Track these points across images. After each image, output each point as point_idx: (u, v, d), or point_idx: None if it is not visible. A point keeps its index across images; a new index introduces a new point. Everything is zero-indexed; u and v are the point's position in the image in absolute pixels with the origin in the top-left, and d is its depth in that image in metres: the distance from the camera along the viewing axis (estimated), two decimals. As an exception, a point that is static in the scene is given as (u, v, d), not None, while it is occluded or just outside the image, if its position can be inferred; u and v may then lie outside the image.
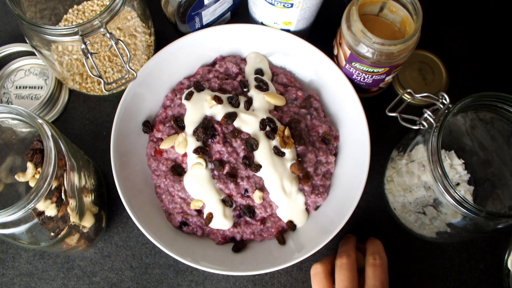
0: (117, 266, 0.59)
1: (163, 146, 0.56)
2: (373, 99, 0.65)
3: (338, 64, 0.60)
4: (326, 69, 0.60)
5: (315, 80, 0.62)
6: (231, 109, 0.56)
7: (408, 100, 0.54)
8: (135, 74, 0.52)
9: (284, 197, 0.55)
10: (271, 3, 0.57)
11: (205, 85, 0.59)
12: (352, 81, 0.59)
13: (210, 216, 0.55)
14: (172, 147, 0.56)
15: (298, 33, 0.62)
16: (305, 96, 0.60)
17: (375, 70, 0.56)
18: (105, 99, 0.66)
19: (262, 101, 0.57)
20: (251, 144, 0.55)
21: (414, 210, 0.55)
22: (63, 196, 0.45)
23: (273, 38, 0.61)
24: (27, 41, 0.54)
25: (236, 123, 0.56)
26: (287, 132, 0.55)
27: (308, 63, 0.61)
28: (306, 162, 0.56)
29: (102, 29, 0.50)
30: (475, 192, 0.58)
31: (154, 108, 0.61)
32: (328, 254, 0.60)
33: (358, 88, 0.60)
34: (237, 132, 0.55)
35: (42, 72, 0.65)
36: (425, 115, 0.50)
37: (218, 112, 0.56)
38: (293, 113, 0.58)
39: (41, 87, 0.64)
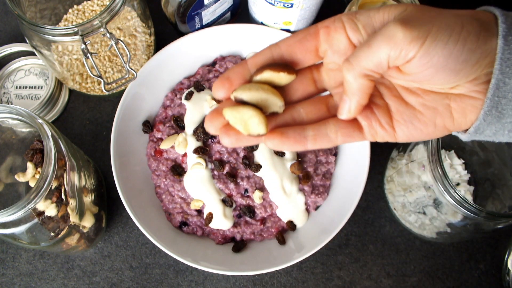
0: (117, 266, 0.59)
1: (163, 146, 0.56)
2: (373, 99, 0.65)
3: (338, 64, 0.60)
4: (326, 69, 0.60)
5: (315, 80, 0.62)
6: (231, 109, 0.56)
7: (408, 100, 0.54)
8: (135, 74, 0.52)
9: (284, 197, 0.54)
10: (271, 3, 0.57)
11: (205, 85, 0.59)
12: (352, 81, 0.59)
13: (210, 216, 0.55)
14: (172, 147, 0.56)
15: (298, 33, 0.61)
16: (305, 96, 0.60)
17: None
18: (105, 99, 0.66)
19: (262, 101, 0.57)
20: (251, 144, 0.55)
21: (414, 210, 0.55)
22: (63, 196, 0.45)
23: (273, 38, 0.61)
24: (27, 41, 0.54)
25: (236, 123, 0.56)
26: (287, 132, 0.55)
27: (308, 63, 0.61)
28: (306, 162, 0.56)
29: (102, 29, 0.50)
30: (475, 192, 0.58)
31: (154, 108, 0.61)
32: (328, 254, 0.60)
33: (358, 88, 0.60)
34: (237, 132, 0.55)
35: (42, 72, 0.65)
36: (425, 115, 0.50)
37: (218, 112, 0.56)
38: (293, 113, 0.58)
39: (41, 87, 0.64)
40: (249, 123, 0.30)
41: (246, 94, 0.30)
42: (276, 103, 0.31)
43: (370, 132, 0.32)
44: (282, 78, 0.31)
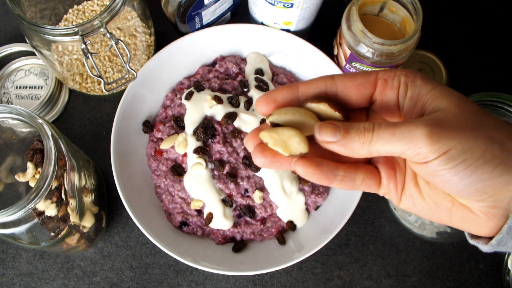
0: (117, 266, 0.59)
1: (163, 146, 0.56)
2: (373, 99, 0.65)
3: (338, 64, 0.60)
4: (326, 69, 0.60)
5: (315, 80, 0.62)
6: (231, 109, 0.56)
7: (408, 100, 0.54)
8: (135, 74, 0.52)
9: (284, 197, 0.54)
10: (271, 3, 0.57)
11: (205, 85, 0.59)
12: (352, 81, 0.59)
13: (210, 216, 0.55)
14: (172, 147, 0.56)
15: (298, 33, 0.62)
16: (305, 96, 0.60)
17: (375, 70, 0.56)
18: (105, 99, 0.66)
19: (262, 101, 0.57)
20: (251, 144, 0.55)
21: (414, 210, 0.56)
22: (63, 196, 0.45)
23: (273, 38, 0.61)
24: (27, 41, 0.54)
25: (236, 123, 0.56)
26: (287, 132, 0.55)
27: (308, 63, 0.61)
28: (306, 162, 0.56)
29: (102, 29, 0.50)
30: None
31: (154, 108, 0.61)
32: (328, 254, 0.60)
33: (358, 88, 0.60)
34: (237, 132, 0.55)
35: (42, 72, 0.65)
36: (425, 115, 0.50)
37: (218, 112, 0.56)
38: (293, 113, 0.58)
39: (41, 87, 0.64)
40: (289, 143, 0.30)
41: (282, 118, 0.30)
42: (313, 127, 0.31)
43: (383, 190, 0.33)
44: (334, 117, 0.31)
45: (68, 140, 0.49)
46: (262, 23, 0.62)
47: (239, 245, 0.56)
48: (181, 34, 0.61)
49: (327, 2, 0.61)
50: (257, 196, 0.55)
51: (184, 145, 0.55)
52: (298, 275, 0.59)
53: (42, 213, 0.44)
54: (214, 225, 0.55)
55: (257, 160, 0.31)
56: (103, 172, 0.62)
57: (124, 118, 0.57)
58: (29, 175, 0.47)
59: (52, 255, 0.59)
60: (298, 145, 0.30)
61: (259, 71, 0.61)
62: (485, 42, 0.70)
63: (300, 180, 0.55)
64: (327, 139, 0.29)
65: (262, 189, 0.55)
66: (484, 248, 0.32)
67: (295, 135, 0.29)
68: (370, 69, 0.56)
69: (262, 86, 0.58)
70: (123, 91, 0.57)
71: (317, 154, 0.32)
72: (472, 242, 0.33)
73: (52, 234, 0.47)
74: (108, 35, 0.50)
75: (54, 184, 0.43)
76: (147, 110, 0.60)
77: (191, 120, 0.56)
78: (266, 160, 0.31)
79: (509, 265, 0.57)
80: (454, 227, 0.32)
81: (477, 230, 0.31)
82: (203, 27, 0.63)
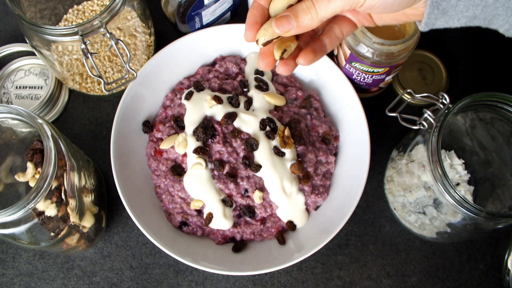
0: (117, 266, 0.59)
1: (163, 146, 0.56)
2: (373, 99, 0.65)
3: (338, 64, 0.60)
4: (326, 69, 0.60)
5: (315, 80, 0.62)
6: (231, 109, 0.56)
7: (408, 100, 0.54)
8: (135, 74, 0.52)
9: (284, 197, 0.54)
10: (271, 3, 0.57)
11: (205, 85, 0.59)
12: (352, 81, 0.59)
13: (210, 216, 0.55)
14: (172, 147, 0.56)
15: (298, 33, 0.61)
16: (305, 96, 0.60)
17: (375, 70, 0.56)
18: (105, 99, 0.66)
19: (262, 101, 0.57)
20: (251, 144, 0.55)
21: (414, 210, 0.55)
22: (63, 196, 0.45)
23: (273, 38, 0.61)
24: (27, 41, 0.54)
25: (236, 123, 0.56)
26: (287, 132, 0.55)
27: (308, 63, 0.61)
28: (306, 162, 0.56)
29: (102, 29, 0.50)
30: (475, 192, 0.58)
31: (154, 108, 0.61)
32: (328, 254, 0.60)
33: (358, 88, 0.60)
34: (237, 132, 0.55)
35: (42, 72, 0.65)
36: (425, 115, 0.50)
37: (218, 112, 0.56)
38: (293, 113, 0.58)
39: (41, 87, 0.64)
40: (291, 45, 0.39)
41: (268, 34, 0.38)
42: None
43: (359, 25, 0.42)
44: None
45: (68, 140, 0.49)
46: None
47: (239, 245, 0.56)
48: (181, 34, 0.61)
49: (327, 2, 0.61)
50: (257, 196, 0.55)
51: (184, 145, 0.55)
52: (298, 275, 0.59)
53: (42, 213, 0.44)
54: (214, 225, 0.55)
55: (281, 69, 0.40)
56: (103, 172, 0.62)
57: (124, 118, 0.57)
58: (29, 175, 0.47)
59: (52, 255, 0.59)
60: (292, 42, 0.39)
61: (259, 71, 0.60)
62: (485, 42, 0.70)
63: (300, 180, 0.55)
64: (286, 29, 0.37)
65: (262, 189, 0.55)
66: (420, 27, 0.38)
67: (286, 40, 0.38)
68: (370, 69, 0.56)
69: (262, 86, 0.58)
70: (123, 91, 0.57)
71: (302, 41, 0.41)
72: (420, 28, 0.39)
73: (52, 234, 0.47)
74: (108, 35, 0.50)
75: (54, 184, 0.43)
76: (147, 110, 0.60)
77: (191, 120, 0.56)
78: (290, 67, 0.40)
79: (509, 265, 0.57)
80: (412, 21, 0.40)
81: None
82: (203, 27, 0.63)
